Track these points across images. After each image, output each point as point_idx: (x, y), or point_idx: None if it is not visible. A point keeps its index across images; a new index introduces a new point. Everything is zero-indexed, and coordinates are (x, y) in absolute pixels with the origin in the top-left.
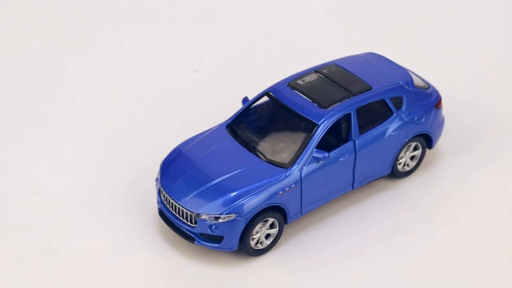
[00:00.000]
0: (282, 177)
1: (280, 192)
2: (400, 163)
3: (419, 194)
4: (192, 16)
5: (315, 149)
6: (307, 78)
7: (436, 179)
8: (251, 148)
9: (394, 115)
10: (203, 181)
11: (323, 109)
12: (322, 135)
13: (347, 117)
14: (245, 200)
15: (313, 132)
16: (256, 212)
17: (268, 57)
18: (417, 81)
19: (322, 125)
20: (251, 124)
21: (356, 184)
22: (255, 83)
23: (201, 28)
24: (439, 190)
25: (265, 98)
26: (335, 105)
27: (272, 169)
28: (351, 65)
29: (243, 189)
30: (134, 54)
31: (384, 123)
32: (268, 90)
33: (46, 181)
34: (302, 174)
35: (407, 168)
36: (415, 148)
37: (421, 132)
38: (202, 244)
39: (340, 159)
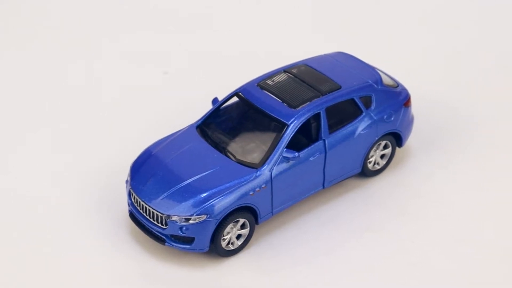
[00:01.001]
0: (253, 178)
1: (251, 193)
2: (370, 162)
3: (389, 192)
4: (192, 17)
5: (285, 149)
6: (277, 78)
7: (406, 177)
8: (221, 148)
9: (364, 114)
10: (173, 183)
11: (292, 109)
12: (292, 135)
13: (317, 116)
14: (216, 201)
15: (283, 132)
16: (227, 213)
17: (268, 57)
18: (386, 80)
19: (292, 125)
20: (221, 124)
21: (326, 183)
22: None
23: (201, 28)
24: (408, 189)
25: (235, 99)
26: (304, 104)
27: (242, 169)
28: (320, 64)
29: (213, 190)
30: (134, 54)
31: (353, 122)
32: (238, 91)
33: (46, 181)
34: (272, 174)
35: (377, 167)
36: (385, 147)
37: (391, 131)
38: (173, 245)
39: (310, 159)
